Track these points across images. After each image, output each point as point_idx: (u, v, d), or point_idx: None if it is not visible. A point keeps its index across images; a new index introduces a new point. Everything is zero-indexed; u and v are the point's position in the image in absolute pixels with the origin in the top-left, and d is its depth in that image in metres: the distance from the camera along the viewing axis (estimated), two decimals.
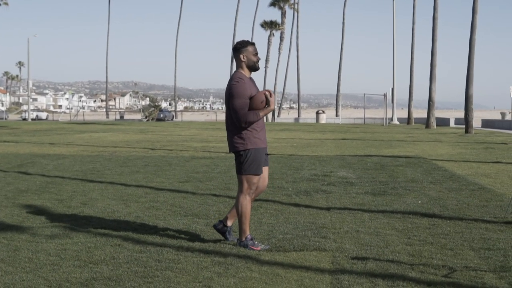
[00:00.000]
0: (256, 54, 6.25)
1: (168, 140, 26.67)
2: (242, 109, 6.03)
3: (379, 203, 9.03)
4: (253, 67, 6.27)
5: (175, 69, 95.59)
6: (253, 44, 6.26)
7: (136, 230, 7.11)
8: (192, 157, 17.31)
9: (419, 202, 9.09)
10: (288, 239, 6.59)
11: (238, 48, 6.23)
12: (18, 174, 12.98)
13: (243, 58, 6.23)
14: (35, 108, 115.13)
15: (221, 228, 6.58)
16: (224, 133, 32.38)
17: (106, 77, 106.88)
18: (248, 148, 6.13)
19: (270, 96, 6.09)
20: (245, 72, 6.25)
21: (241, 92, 6.05)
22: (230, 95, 6.10)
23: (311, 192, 10.21)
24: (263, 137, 6.27)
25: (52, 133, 33.80)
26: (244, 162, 6.15)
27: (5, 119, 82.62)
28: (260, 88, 6.31)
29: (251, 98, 6.07)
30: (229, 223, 6.60)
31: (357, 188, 10.67)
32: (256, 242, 6.26)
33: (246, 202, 6.27)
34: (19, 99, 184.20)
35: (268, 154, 6.51)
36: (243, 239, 6.26)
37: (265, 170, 6.43)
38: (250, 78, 6.30)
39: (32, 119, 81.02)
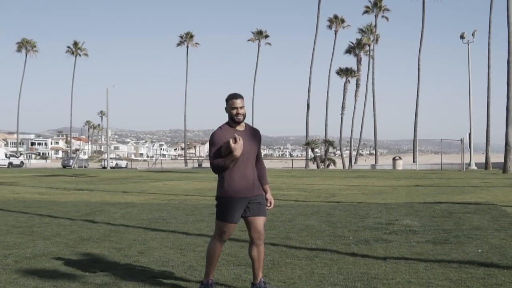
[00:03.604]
0: (235, 108, 6.35)
1: None
2: (212, 157, 6.29)
3: (438, 252, 8.83)
4: (232, 119, 6.41)
5: (252, 117, 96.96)
6: (234, 97, 6.40)
7: (186, 280, 7.18)
8: None
9: (479, 250, 8.84)
10: None
11: (226, 100, 6.46)
12: (84, 222, 13.29)
13: (226, 111, 6.46)
14: (116, 157, 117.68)
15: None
16: (297, 181, 32.53)
17: (185, 125, 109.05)
18: (220, 196, 6.35)
19: (235, 142, 6.14)
20: (230, 122, 6.44)
21: (214, 140, 6.33)
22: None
23: (371, 241, 10.07)
24: (242, 186, 6.31)
25: (128, 181, 34.50)
26: (216, 207, 6.41)
27: (85, 167, 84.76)
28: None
29: None
30: (260, 275, 6.60)
31: (419, 236, 10.47)
32: None
33: (214, 246, 6.49)
34: (100, 147, 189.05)
35: (260, 204, 6.48)
36: (204, 281, 6.51)
37: (258, 219, 6.46)
38: (241, 131, 6.43)
39: (112, 167, 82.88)
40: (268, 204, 6.61)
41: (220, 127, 6.43)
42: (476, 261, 8.05)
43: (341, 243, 9.88)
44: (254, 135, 6.53)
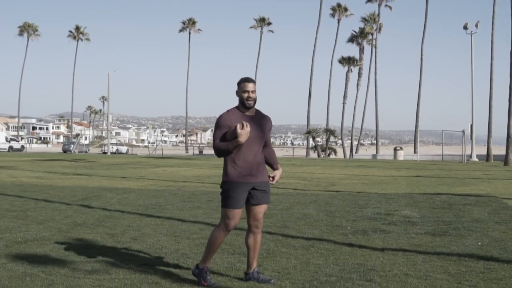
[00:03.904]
0: (246, 91, 6.21)
1: None
2: (216, 138, 6.16)
3: (437, 244, 8.66)
4: (243, 103, 6.25)
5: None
6: (247, 80, 6.27)
7: (178, 268, 7.02)
8: None
9: (479, 243, 8.66)
10: (331, 282, 6.33)
11: (237, 84, 6.32)
12: (80, 207, 13.14)
13: (237, 94, 6.31)
14: (118, 142, 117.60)
15: (250, 278, 6.45)
16: (297, 169, 32.38)
17: (186, 112, 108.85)
18: (224, 181, 6.23)
19: (242, 128, 5.99)
20: (239, 106, 6.29)
21: (220, 123, 6.18)
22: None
23: (369, 231, 9.90)
24: (245, 172, 6.18)
25: (127, 167, 34.36)
26: (221, 194, 6.31)
27: (85, 152, 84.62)
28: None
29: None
30: (254, 264, 6.47)
31: (418, 228, 10.29)
32: (209, 278, 6.29)
33: (217, 234, 6.34)
34: (102, 133, 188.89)
35: (265, 191, 6.34)
36: (200, 266, 6.40)
37: (259, 207, 6.33)
38: (250, 116, 6.28)
39: (112, 153, 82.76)
40: (273, 175, 6.45)
41: (228, 110, 6.30)
42: (475, 254, 7.87)
43: (338, 233, 9.71)
44: (263, 121, 6.38)
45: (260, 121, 6.34)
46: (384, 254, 7.90)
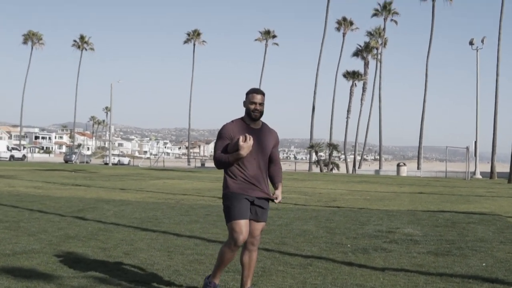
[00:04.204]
0: (253, 103, 5.96)
1: None
2: (217, 149, 5.93)
3: (440, 264, 8.34)
4: (249, 115, 6.00)
5: None
6: (255, 91, 6.02)
7: (170, 285, 6.74)
8: None
9: (483, 264, 8.34)
10: None
11: (246, 94, 6.07)
12: (74, 219, 12.84)
13: (244, 104, 6.05)
14: (120, 153, 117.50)
15: None
16: (299, 184, 32.08)
17: (189, 124, 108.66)
18: (225, 193, 5.96)
19: (244, 141, 5.74)
20: (245, 118, 6.04)
21: (222, 133, 5.96)
22: None
23: (369, 250, 9.58)
24: (246, 186, 5.92)
25: (127, 179, 34.07)
26: (224, 210, 5.98)
27: (87, 162, 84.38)
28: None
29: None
30: (248, 284, 6.20)
31: (421, 246, 9.97)
32: None
33: (225, 249, 6.02)
34: (104, 143, 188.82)
35: (264, 208, 6.07)
36: (209, 279, 6.23)
37: (257, 224, 6.04)
38: (255, 129, 6.04)
39: (114, 164, 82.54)
40: (275, 198, 6.13)
41: (232, 121, 6.07)
42: (480, 276, 7.55)
43: (338, 251, 9.39)
44: (268, 136, 6.12)
45: (265, 135, 6.08)
46: (384, 274, 7.58)
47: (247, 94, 6.03)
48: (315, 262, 8.33)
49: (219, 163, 5.92)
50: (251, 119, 5.98)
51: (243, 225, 5.82)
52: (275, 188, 6.28)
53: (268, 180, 6.21)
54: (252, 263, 6.09)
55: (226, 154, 5.86)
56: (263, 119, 6.07)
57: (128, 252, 8.82)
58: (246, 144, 5.72)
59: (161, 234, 10.93)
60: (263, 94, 6.02)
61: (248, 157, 5.86)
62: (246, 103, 6.01)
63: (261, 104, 5.96)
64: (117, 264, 7.92)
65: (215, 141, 6.13)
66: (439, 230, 12.21)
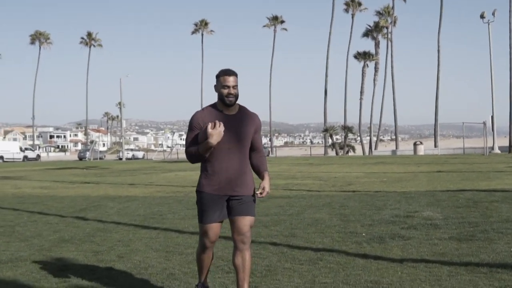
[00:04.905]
0: (226, 86, 5.18)
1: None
2: (187, 142, 5.25)
3: (464, 252, 7.53)
4: (222, 100, 5.23)
5: (270, 104, 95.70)
6: (227, 73, 5.22)
7: None
8: (269, 197, 16.04)
9: None
10: None
11: (216, 77, 5.30)
12: (74, 220, 12.18)
13: (215, 89, 5.29)
14: (135, 148, 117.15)
15: None
16: (314, 169, 31.32)
17: None
18: (197, 190, 5.34)
19: (213, 128, 5.01)
20: (218, 104, 5.28)
21: (192, 123, 5.26)
22: None
23: (386, 238, 8.79)
24: (222, 183, 5.21)
25: (139, 173, 33.41)
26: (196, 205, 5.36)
27: (101, 159, 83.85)
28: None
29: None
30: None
31: (442, 231, 9.16)
32: None
33: (199, 251, 5.53)
34: (119, 139, 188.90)
35: (244, 202, 5.33)
36: (198, 284, 5.80)
37: (242, 219, 5.28)
38: (231, 115, 5.29)
39: (128, 159, 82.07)
40: (260, 191, 5.34)
41: (202, 109, 5.32)
42: (509, 263, 6.74)
43: (351, 242, 8.62)
44: (247, 121, 5.32)
45: (243, 121, 5.30)
46: (403, 267, 6.80)
47: (217, 77, 5.27)
48: (326, 256, 7.57)
49: (190, 156, 5.24)
50: (226, 104, 5.22)
51: (209, 229, 5.32)
52: (261, 178, 5.50)
53: (252, 171, 5.44)
54: (246, 264, 5.32)
55: (195, 146, 5.15)
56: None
57: (122, 255, 8.11)
58: (215, 131, 4.98)
59: (162, 232, 10.21)
60: (235, 75, 5.25)
61: (222, 148, 5.13)
62: (217, 88, 5.25)
63: (235, 86, 5.21)
64: (107, 270, 7.21)
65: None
66: (461, 212, 11.41)
